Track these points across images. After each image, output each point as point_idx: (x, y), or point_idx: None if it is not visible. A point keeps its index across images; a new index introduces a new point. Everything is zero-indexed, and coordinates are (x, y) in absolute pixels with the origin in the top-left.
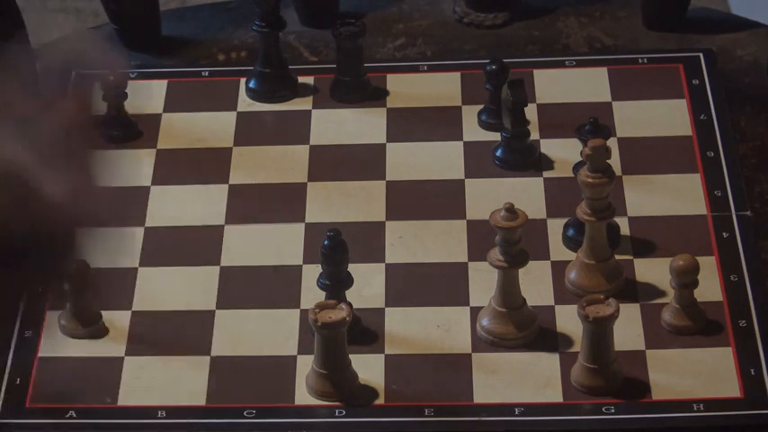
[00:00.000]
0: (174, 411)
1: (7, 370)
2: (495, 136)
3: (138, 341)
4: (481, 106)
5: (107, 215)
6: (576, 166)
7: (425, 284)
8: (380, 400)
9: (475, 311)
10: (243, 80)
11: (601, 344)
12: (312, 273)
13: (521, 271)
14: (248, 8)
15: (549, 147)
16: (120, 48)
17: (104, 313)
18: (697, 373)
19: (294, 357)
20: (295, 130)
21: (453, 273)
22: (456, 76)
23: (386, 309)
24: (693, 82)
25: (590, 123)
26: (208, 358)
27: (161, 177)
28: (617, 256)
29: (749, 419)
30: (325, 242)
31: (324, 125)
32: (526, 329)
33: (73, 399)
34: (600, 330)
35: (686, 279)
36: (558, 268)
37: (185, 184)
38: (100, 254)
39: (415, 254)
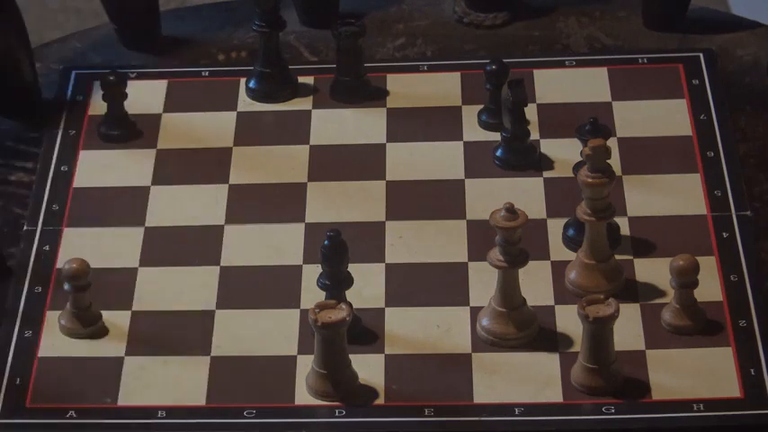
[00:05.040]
0: (174, 411)
1: (7, 370)
2: (495, 136)
3: (138, 341)
4: (481, 106)
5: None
6: (576, 166)
7: (425, 284)
8: (380, 400)
9: (475, 311)
10: (243, 80)
11: (601, 344)
12: (312, 273)
13: (521, 271)
14: (248, 8)
15: (549, 147)
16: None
17: (104, 313)
18: (697, 373)
19: (294, 357)
20: (295, 130)
21: (453, 273)
22: (456, 76)
23: (386, 309)
24: (693, 82)
25: (590, 123)
26: (208, 358)
27: (161, 177)
28: (617, 256)
29: (749, 419)
30: (326, 242)
31: (324, 125)
32: (526, 329)
33: (73, 399)
34: (600, 330)
35: (686, 279)
36: (558, 268)
37: (185, 184)
38: None
39: (415, 254)
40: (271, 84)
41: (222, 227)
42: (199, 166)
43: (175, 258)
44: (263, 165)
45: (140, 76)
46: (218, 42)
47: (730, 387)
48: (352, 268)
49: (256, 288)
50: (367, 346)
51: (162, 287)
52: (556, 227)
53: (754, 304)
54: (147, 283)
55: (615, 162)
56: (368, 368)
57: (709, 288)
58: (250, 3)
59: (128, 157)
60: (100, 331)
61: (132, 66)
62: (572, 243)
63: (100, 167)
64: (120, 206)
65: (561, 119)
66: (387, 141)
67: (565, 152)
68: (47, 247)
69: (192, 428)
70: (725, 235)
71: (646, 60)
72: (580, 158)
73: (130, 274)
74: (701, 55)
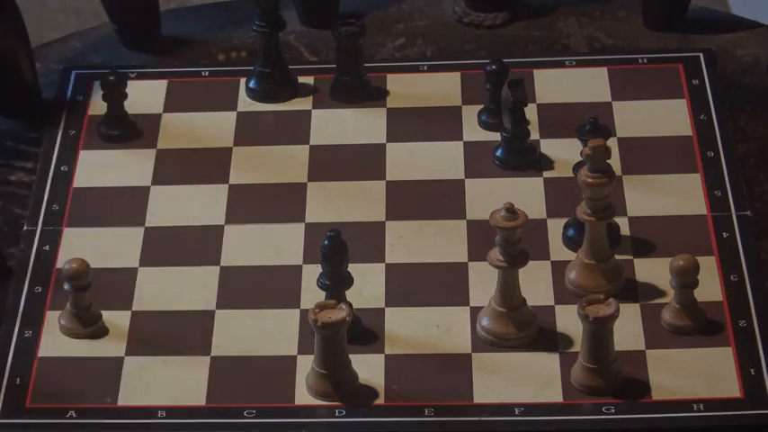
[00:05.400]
0: (173, 411)
1: (7, 370)
2: (495, 136)
3: (138, 341)
4: (481, 106)
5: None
6: (576, 166)
7: (425, 284)
8: (380, 400)
9: (475, 311)
10: (243, 80)
11: (601, 344)
12: (312, 273)
13: (521, 271)
14: (248, 8)
15: (549, 147)
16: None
17: (104, 313)
18: (697, 373)
19: (294, 357)
20: (295, 130)
21: (453, 273)
22: (456, 76)
23: (386, 309)
24: (693, 82)
25: (590, 123)
26: (208, 358)
27: (161, 177)
28: (617, 256)
29: (749, 419)
30: (326, 242)
31: (324, 125)
32: (526, 329)
33: (73, 399)
34: (600, 330)
35: (686, 279)
36: (558, 268)
37: (185, 184)
38: None
39: (415, 254)
40: (271, 84)
41: (222, 227)
42: (199, 166)
43: (175, 258)
44: (263, 165)
45: (140, 76)
46: (218, 42)
47: (730, 387)
48: (352, 268)
49: (256, 288)
50: (367, 346)
51: (162, 287)
52: (556, 227)
53: (754, 304)
54: (147, 283)
55: (615, 162)
56: (368, 368)
57: (709, 288)
58: (250, 3)
59: (128, 157)
60: (100, 331)
61: (132, 66)
62: (572, 243)
63: (100, 167)
64: (120, 206)
65: (561, 119)
66: (387, 141)
67: (565, 152)
68: (47, 247)
69: (191, 428)
70: (725, 235)
71: (646, 60)
72: (580, 158)
73: (130, 274)
74: (701, 55)
